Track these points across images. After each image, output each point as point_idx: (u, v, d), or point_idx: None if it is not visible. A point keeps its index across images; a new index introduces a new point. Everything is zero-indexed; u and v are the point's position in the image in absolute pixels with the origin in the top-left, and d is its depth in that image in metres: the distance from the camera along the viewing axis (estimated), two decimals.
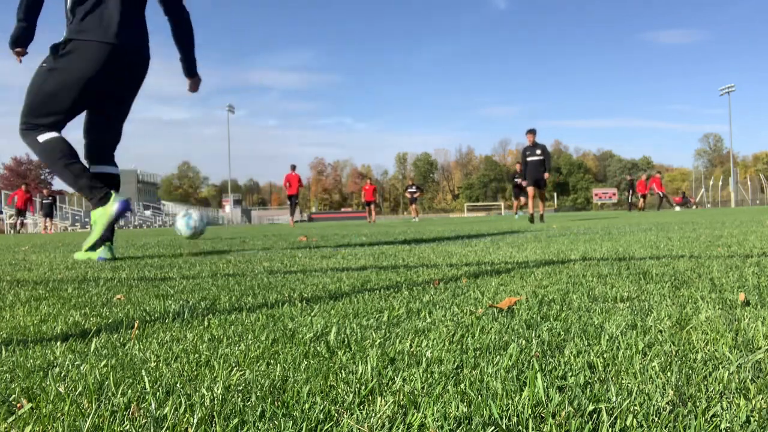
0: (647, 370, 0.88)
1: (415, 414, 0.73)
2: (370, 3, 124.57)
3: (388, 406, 0.76)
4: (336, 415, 0.75)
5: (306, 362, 0.99)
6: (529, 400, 0.76)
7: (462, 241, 4.47)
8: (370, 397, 0.81)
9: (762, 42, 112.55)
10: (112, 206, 3.33)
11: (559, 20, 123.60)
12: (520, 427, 0.70)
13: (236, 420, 0.73)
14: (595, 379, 0.86)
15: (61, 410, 0.78)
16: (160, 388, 0.86)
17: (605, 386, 0.81)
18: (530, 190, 11.71)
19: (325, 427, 0.71)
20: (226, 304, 1.66)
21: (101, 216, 3.34)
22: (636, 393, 0.78)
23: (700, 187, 57.00)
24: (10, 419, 0.76)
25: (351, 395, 0.82)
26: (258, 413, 0.75)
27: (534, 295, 1.61)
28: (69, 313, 1.57)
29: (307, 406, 0.78)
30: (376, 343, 1.11)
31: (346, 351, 1.06)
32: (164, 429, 0.72)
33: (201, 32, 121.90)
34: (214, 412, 0.76)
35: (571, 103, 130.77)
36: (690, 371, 0.87)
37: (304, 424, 0.71)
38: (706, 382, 0.82)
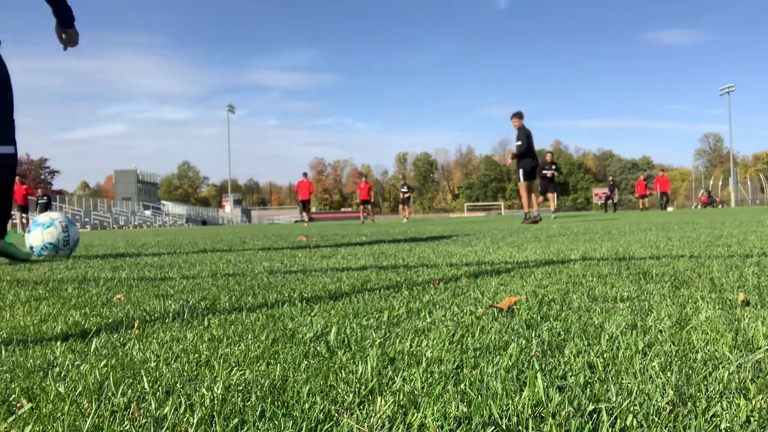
0: (647, 370, 0.88)
1: (415, 414, 0.73)
2: (370, 3, 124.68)
3: (388, 406, 0.76)
4: (336, 415, 0.75)
5: (306, 362, 0.99)
6: (529, 400, 0.76)
7: (462, 241, 4.47)
8: (370, 397, 0.81)
9: (762, 42, 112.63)
10: None
11: (560, 20, 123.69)
12: (520, 427, 0.70)
13: (236, 420, 0.73)
14: (595, 379, 0.86)
15: (61, 410, 0.78)
16: (160, 388, 0.86)
17: (605, 386, 0.81)
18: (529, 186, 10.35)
19: (325, 427, 0.71)
20: (226, 304, 1.66)
21: None
22: (636, 393, 0.78)
23: (700, 187, 56.98)
24: (10, 419, 0.76)
25: (351, 395, 0.82)
26: (258, 413, 0.75)
27: (534, 295, 1.61)
28: (69, 313, 1.57)
29: (307, 406, 0.78)
30: (376, 343, 1.11)
31: (346, 351, 1.06)
32: (164, 429, 0.72)
33: (201, 32, 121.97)
34: (214, 412, 0.76)
35: (571, 103, 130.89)
36: (690, 371, 0.87)
37: (304, 424, 0.71)
38: (706, 382, 0.82)
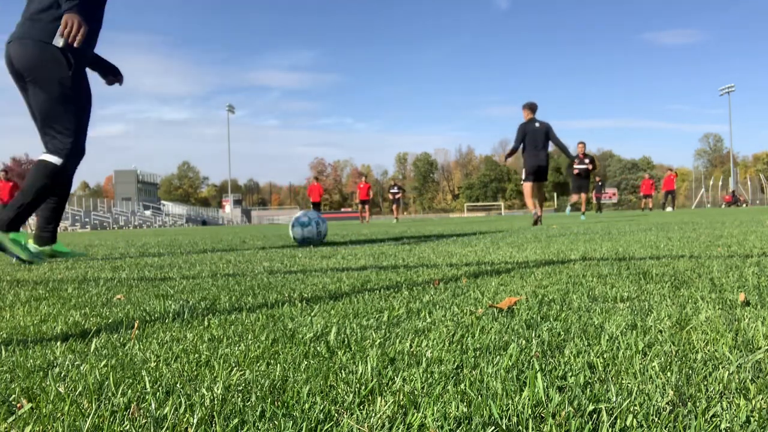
0: (647, 370, 0.88)
1: (415, 414, 0.73)
2: (370, 3, 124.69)
3: (388, 406, 0.76)
4: (336, 415, 0.75)
5: (306, 362, 0.99)
6: (529, 400, 0.76)
7: (462, 241, 4.47)
8: (370, 397, 0.81)
9: (762, 42, 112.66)
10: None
11: (560, 21, 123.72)
12: (520, 427, 0.70)
13: (236, 420, 0.73)
14: (595, 379, 0.86)
15: (61, 410, 0.78)
16: (160, 388, 0.86)
17: (605, 386, 0.81)
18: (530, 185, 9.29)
19: (325, 427, 0.71)
20: (226, 304, 1.66)
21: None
22: (636, 393, 0.78)
23: (700, 187, 56.98)
24: (10, 419, 0.76)
25: (351, 395, 0.82)
26: (258, 413, 0.75)
27: (534, 295, 1.61)
28: (69, 313, 1.57)
29: (307, 406, 0.78)
30: (376, 343, 1.11)
31: (346, 351, 1.06)
32: (164, 429, 0.72)
33: (202, 32, 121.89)
34: (214, 412, 0.76)
35: (571, 103, 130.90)
36: (690, 371, 0.87)
37: (304, 424, 0.71)
38: (706, 382, 0.82)
